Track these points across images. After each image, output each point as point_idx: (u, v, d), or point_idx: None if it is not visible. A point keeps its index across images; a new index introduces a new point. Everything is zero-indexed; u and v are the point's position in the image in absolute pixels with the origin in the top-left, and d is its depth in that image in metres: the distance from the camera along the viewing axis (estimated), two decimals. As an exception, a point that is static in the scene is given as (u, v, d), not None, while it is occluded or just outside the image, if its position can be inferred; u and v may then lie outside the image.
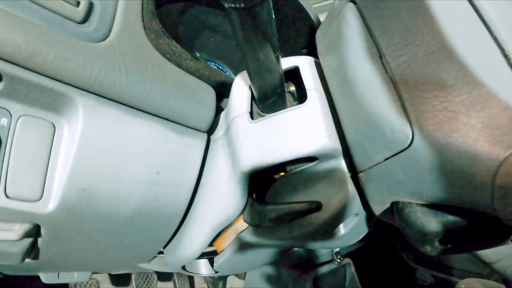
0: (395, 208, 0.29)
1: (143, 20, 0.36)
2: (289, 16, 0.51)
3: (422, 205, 0.27)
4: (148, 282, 0.83)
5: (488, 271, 0.66)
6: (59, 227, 0.35)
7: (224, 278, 0.97)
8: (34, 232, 0.35)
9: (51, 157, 0.33)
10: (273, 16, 0.24)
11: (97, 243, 0.39)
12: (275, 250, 0.45)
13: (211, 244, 0.47)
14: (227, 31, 0.58)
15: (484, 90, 0.22)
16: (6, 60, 0.26)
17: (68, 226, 0.35)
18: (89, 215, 0.35)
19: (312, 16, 0.51)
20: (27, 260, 0.39)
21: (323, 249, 0.57)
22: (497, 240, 0.26)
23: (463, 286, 0.50)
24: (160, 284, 0.88)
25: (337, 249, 0.66)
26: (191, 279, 0.98)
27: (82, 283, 0.72)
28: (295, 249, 0.62)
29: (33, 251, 0.38)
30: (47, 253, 0.38)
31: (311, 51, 0.55)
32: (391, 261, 0.74)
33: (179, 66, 0.38)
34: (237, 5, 0.21)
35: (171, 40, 0.39)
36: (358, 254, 0.69)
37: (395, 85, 0.26)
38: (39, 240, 0.36)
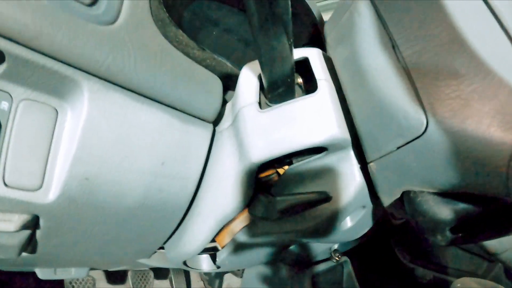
0: (406, 197, 0.29)
1: (150, 8, 0.35)
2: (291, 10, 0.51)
3: (434, 193, 0.27)
4: (144, 280, 0.81)
5: (483, 270, 0.67)
6: (59, 219, 0.33)
7: (220, 276, 0.96)
8: (33, 223, 0.33)
9: (52, 144, 0.31)
10: (290, 3, 0.24)
11: (98, 236, 0.38)
12: (278, 244, 0.45)
13: (212, 240, 0.46)
14: (230, 25, 0.58)
15: (495, 79, 0.23)
16: (11, 39, 0.25)
17: (69, 218, 0.34)
18: (91, 207, 0.34)
19: (315, 12, 0.51)
20: (23, 254, 0.37)
21: (326, 243, 0.57)
22: (508, 228, 0.27)
23: (458, 285, 0.50)
24: (156, 282, 0.87)
25: (335, 247, 0.66)
26: (187, 277, 0.97)
27: (77, 280, 0.70)
28: (293, 247, 0.61)
29: (30, 244, 0.36)
30: (45, 246, 0.37)
31: (313, 46, 0.55)
32: (390, 258, 0.75)
33: (187, 55, 0.37)
34: None
35: (178, 29, 0.39)
36: (356, 252, 0.69)
37: (408, 74, 0.26)
38: (38, 232, 0.35)
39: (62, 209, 0.32)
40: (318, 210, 0.34)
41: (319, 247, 0.65)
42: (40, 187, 0.31)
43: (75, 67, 0.29)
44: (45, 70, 0.28)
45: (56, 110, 0.32)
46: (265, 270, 0.68)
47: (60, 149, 0.31)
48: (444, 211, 0.26)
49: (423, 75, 0.26)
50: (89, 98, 0.30)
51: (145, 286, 0.81)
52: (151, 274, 0.82)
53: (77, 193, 0.32)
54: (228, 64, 0.43)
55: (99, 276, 0.76)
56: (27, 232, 0.34)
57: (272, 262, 0.56)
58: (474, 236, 0.29)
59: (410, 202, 0.29)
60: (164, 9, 0.38)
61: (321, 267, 0.70)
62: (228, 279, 0.93)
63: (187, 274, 0.95)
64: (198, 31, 0.58)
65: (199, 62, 0.39)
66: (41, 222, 0.34)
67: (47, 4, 0.26)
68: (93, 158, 0.31)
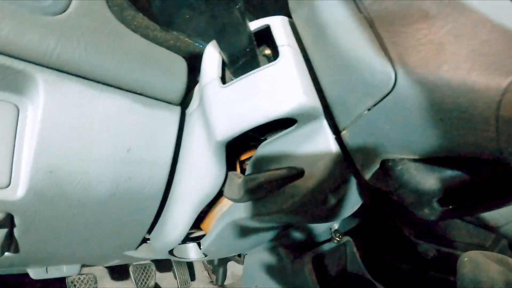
0: (384, 167, 0.27)
1: None
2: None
3: (415, 160, 0.24)
4: (146, 273, 0.81)
5: (490, 242, 0.64)
6: (32, 215, 0.33)
7: (224, 264, 0.95)
8: (8, 222, 0.33)
9: (16, 140, 0.31)
10: None
11: (77, 230, 0.37)
12: (263, 227, 0.43)
13: (199, 227, 0.45)
14: (203, 7, 0.55)
15: (473, 15, 0.20)
16: None
17: (41, 213, 0.34)
18: (61, 199, 0.33)
19: None
20: (9, 254, 0.38)
21: (317, 224, 0.55)
22: (506, 197, 0.23)
23: (466, 258, 0.47)
24: (159, 274, 0.87)
25: (336, 227, 0.63)
26: (190, 267, 0.97)
27: (79, 279, 0.71)
28: (292, 229, 0.60)
29: (12, 243, 0.36)
30: (26, 244, 0.37)
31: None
32: (392, 236, 0.72)
33: (146, 37, 0.35)
34: None
35: (137, 12, 0.37)
36: (358, 231, 0.67)
37: (372, 24, 0.23)
38: (15, 230, 0.35)
39: (33, 204, 0.32)
40: (295, 187, 0.32)
41: (319, 228, 0.62)
42: (8, 184, 0.31)
43: (26, 60, 0.29)
44: None
45: (17, 106, 0.32)
46: (265, 255, 0.67)
47: (24, 144, 0.31)
48: (428, 180, 0.23)
49: (388, 23, 0.22)
50: (45, 90, 0.30)
51: (147, 279, 0.81)
52: (153, 267, 0.83)
53: (44, 187, 0.32)
54: (196, 44, 0.41)
55: (101, 273, 0.77)
56: (4, 231, 0.34)
57: (257, 246, 0.54)
58: (467, 208, 0.25)
59: (389, 172, 0.26)
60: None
61: (323, 248, 0.68)
62: (232, 267, 0.93)
63: (190, 265, 0.95)
64: (175, 17, 0.56)
65: (161, 43, 0.37)
66: (16, 220, 0.34)
67: None
68: (54, 150, 0.31)
